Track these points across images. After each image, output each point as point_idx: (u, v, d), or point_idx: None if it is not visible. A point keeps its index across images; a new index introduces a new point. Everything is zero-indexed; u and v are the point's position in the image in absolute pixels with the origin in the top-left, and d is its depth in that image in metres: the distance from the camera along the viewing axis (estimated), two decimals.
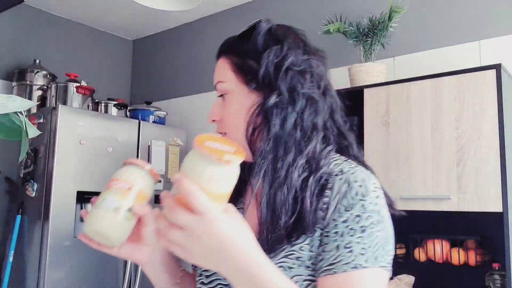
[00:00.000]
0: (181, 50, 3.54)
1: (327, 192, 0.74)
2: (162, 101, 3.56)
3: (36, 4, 3.24)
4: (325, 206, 0.73)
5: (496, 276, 1.80)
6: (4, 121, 0.69)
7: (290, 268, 0.72)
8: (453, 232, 1.95)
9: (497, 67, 1.74)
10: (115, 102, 3.06)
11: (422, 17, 2.39)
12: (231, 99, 0.82)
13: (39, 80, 3.02)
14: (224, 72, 0.83)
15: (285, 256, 0.73)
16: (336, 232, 0.71)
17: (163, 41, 3.70)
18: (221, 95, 0.84)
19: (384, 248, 0.71)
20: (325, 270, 0.70)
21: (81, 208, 2.56)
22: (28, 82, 3.01)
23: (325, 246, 0.72)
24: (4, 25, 3.09)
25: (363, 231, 0.70)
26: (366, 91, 2.07)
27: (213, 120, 0.85)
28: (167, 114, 3.21)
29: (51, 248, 2.37)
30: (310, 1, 2.84)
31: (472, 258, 1.87)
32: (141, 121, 2.90)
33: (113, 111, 3.04)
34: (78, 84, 2.92)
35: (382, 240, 0.72)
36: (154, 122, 3.07)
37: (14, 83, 3.04)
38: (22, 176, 2.62)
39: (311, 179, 0.75)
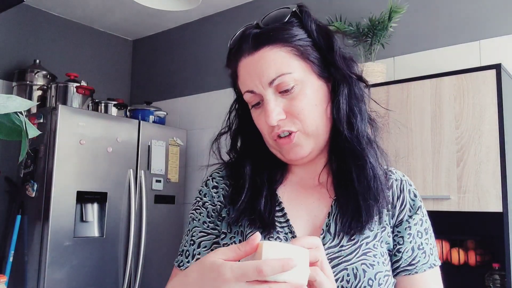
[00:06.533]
0: (181, 50, 3.54)
1: (389, 185, 0.80)
2: (162, 101, 3.56)
3: (36, 4, 3.24)
4: (390, 199, 0.79)
5: (496, 276, 1.80)
6: (4, 121, 0.69)
7: (371, 265, 0.74)
8: (453, 232, 1.95)
9: (497, 67, 1.74)
10: (115, 102, 3.06)
11: (422, 17, 2.39)
12: (304, 90, 0.75)
13: (39, 80, 3.02)
14: (286, 62, 0.74)
15: (364, 254, 0.74)
16: (409, 234, 0.78)
17: (163, 41, 3.70)
18: (283, 91, 0.74)
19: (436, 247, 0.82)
20: (405, 270, 0.77)
21: (81, 208, 2.56)
22: (28, 82, 3.01)
23: (400, 247, 0.78)
24: (4, 25, 3.09)
25: (426, 233, 0.80)
26: (366, 91, 2.07)
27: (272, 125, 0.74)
28: (167, 114, 3.21)
29: (51, 248, 2.37)
30: (310, 1, 2.83)
31: (472, 258, 1.87)
32: (141, 121, 2.90)
33: (113, 111, 3.03)
34: (78, 84, 2.92)
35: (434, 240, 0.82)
36: (154, 122, 3.07)
37: (14, 83, 3.04)
38: (22, 176, 2.62)
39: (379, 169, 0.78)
